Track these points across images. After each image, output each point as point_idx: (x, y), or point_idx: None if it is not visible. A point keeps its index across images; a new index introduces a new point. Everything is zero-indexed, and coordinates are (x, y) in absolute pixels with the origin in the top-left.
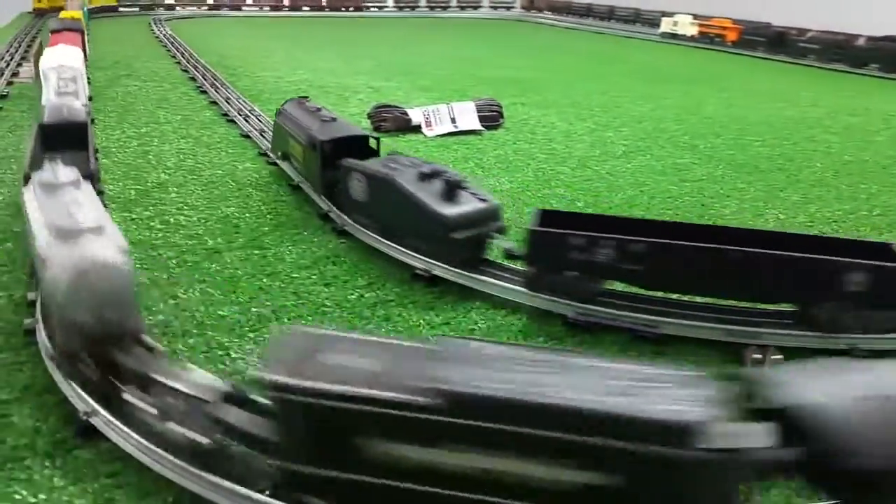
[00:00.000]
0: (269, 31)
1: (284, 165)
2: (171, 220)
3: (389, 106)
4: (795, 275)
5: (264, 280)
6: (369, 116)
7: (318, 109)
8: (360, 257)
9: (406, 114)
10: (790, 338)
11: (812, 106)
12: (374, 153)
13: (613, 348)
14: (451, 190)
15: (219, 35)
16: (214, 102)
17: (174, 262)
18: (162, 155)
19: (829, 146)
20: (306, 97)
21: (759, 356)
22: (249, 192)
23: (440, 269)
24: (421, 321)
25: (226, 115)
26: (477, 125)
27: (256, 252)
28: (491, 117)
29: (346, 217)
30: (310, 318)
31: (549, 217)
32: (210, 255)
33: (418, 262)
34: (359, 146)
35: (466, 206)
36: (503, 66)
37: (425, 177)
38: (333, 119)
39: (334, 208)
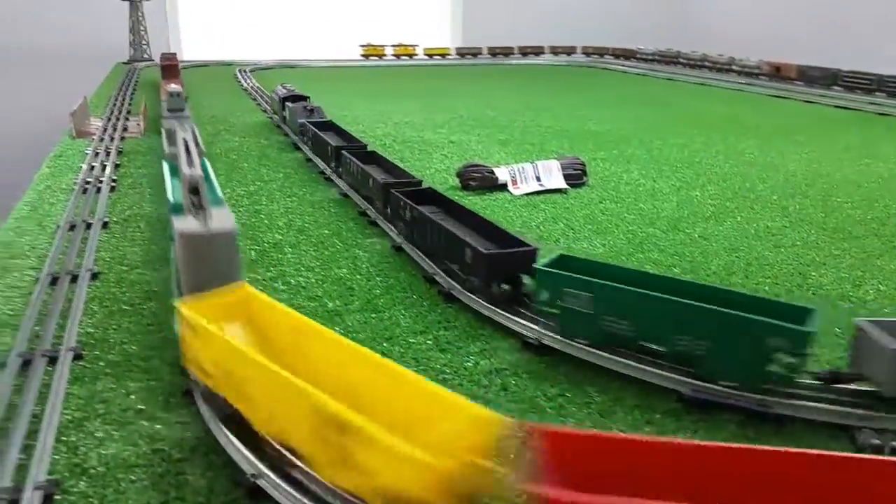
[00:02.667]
0: (338, 84)
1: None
2: (293, 281)
3: (477, 165)
4: None
5: (384, 345)
6: (458, 175)
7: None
8: (468, 322)
9: (493, 172)
10: None
11: None
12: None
13: (730, 426)
14: None
15: (302, 87)
16: (310, 159)
17: None
18: (272, 214)
19: None
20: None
21: (877, 441)
22: (357, 254)
23: (549, 339)
24: (538, 392)
25: (322, 172)
26: (562, 184)
27: (373, 315)
28: (575, 175)
29: (452, 282)
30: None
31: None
32: (332, 317)
33: (528, 330)
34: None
35: None
36: (576, 118)
37: None
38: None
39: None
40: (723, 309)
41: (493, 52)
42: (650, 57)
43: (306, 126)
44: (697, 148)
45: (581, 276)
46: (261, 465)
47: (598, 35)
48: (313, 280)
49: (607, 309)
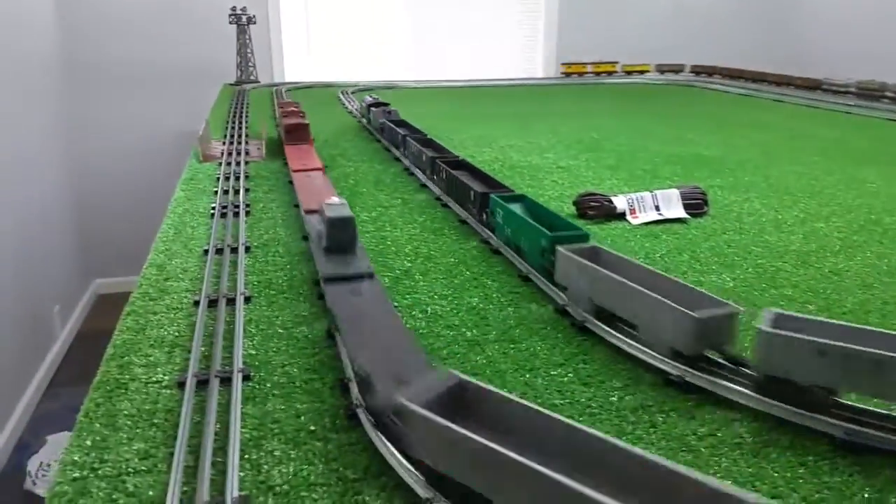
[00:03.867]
0: (430, 106)
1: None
2: (429, 309)
3: (595, 194)
4: None
5: (527, 376)
6: (575, 203)
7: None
8: (606, 356)
9: (611, 201)
10: None
11: None
12: None
13: (886, 472)
14: None
15: (409, 109)
16: (424, 185)
17: (445, 352)
18: (397, 241)
19: None
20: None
21: None
22: (485, 282)
23: (692, 376)
24: (687, 430)
25: (439, 198)
26: (682, 213)
27: (511, 346)
28: (696, 205)
29: (586, 314)
30: (581, 419)
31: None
32: (472, 346)
33: (669, 366)
34: None
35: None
36: (684, 141)
37: None
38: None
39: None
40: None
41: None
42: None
43: (386, 124)
44: (816, 175)
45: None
46: (431, 490)
47: (702, 53)
48: (448, 308)
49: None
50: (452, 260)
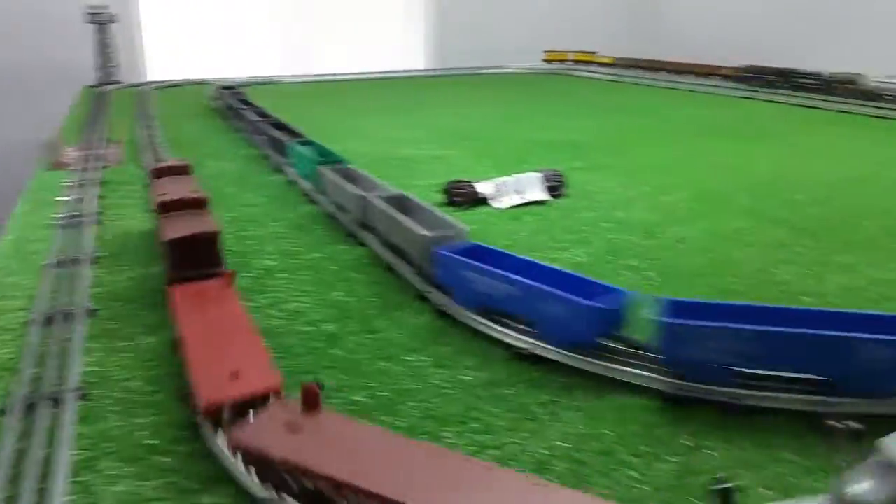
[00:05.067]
0: (311, 101)
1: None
2: (289, 307)
3: (461, 181)
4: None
5: (381, 364)
6: (445, 191)
7: None
8: (462, 337)
9: (474, 188)
10: (868, 405)
11: (856, 159)
12: None
13: (707, 418)
14: None
15: (276, 106)
16: (293, 181)
17: (302, 349)
18: (261, 239)
19: (878, 204)
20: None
21: (840, 425)
22: (349, 275)
23: (541, 349)
24: (530, 399)
25: (307, 194)
26: (543, 195)
27: (369, 336)
28: (555, 187)
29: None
30: (434, 400)
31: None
32: (331, 340)
33: (519, 342)
34: None
35: None
36: (551, 128)
37: None
38: None
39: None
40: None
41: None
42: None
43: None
44: (668, 153)
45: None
46: (273, 492)
47: (558, 39)
48: (309, 304)
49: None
50: (318, 255)
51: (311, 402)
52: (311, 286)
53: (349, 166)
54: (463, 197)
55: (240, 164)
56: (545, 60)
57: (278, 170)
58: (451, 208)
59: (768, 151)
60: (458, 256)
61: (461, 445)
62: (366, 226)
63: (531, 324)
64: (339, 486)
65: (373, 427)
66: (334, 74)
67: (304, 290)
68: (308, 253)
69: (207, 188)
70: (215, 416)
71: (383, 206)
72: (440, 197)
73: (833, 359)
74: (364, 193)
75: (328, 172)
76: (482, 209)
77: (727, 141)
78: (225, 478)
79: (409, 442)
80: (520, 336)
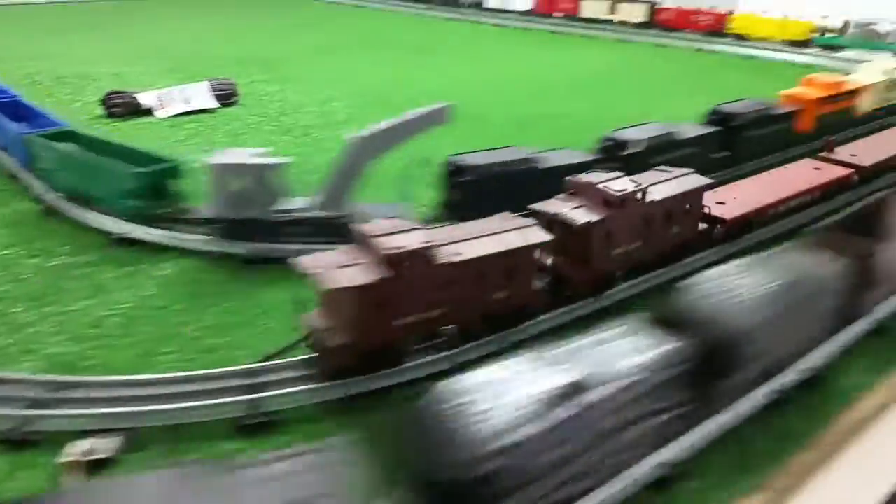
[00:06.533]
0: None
1: None
2: None
3: (120, 92)
4: None
5: None
6: (102, 102)
7: None
8: (60, 226)
9: (135, 98)
10: None
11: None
12: None
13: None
14: None
15: None
16: None
17: None
18: None
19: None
20: None
21: None
22: None
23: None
24: (109, 274)
25: None
26: (212, 103)
27: None
28: (226, 95)
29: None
30: (8, 285)
31: None
32: None
33: (114, 226)
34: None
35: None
36: (251, 44)
37: None
38: None
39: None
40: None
41: None
42: None
43: None
44: (355, 65)
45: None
46: None
47: None
48: None
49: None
50: None
51: None
52: None
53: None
54: (121, 107)
55: None
56: None
57: None
58: (110, 119)
59: (433, 61)
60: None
61: (30, 316)
62: None
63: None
64: None
65: None
66: None
67: None
68: None
69: None
70: None
71: None
72: (101, 110)
73: None
74: None
75: None
76: (143, 119)
77: (401, 52)
78: None
79: None
80: (115, 221)
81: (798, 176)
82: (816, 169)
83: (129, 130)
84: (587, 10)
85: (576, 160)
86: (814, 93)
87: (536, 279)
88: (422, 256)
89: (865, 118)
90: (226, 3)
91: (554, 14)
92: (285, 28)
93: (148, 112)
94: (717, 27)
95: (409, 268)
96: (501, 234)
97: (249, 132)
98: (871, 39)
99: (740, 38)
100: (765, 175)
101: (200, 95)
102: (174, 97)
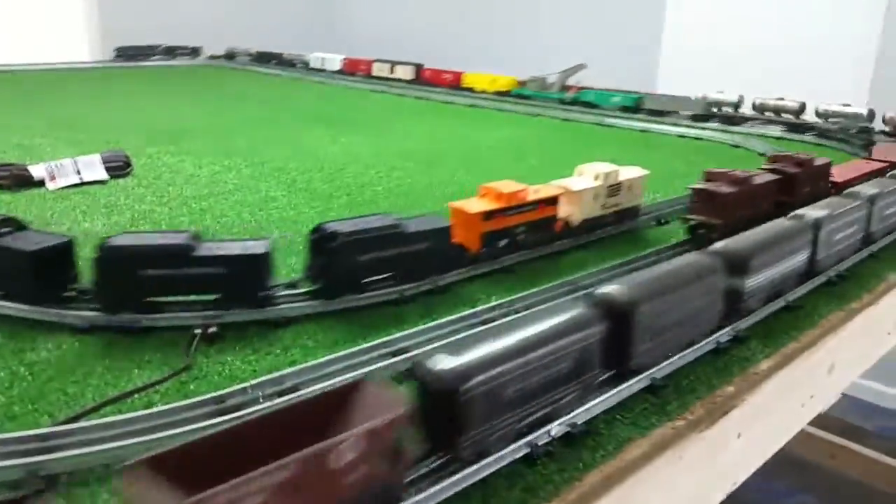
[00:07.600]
0: None
1: None
2: None
3: (8, 164)
4: None
5: None
6: None
7: None
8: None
9: (26, 170)
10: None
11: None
12: None
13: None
14: None
15: None
16: None
17: None
18: None
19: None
20: None
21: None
22: None
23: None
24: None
25: None
26: (103, 175)
27: None
28: (118, 167)
29: None
30: None
31: None
32: None
33: None
34: None
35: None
36: (169, 117)
37: None
38: None
39: None
40: None
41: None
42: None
43: None
44: (260, 137)
45: None
46: None
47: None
48: None
49: None
50: None
51: None
52: None
53: None
54: (8, 179)
55: None
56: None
57: None
58: None
59: (354, 138)
60: None
61: None
62: None
63: None
64: None
65: None
66: None
67: None
68: None
69: None
70: None
71: None
72: None
73: None
74: None
75: None
76: (33, 191)
77: (324, 128)
78: None
79: None
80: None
81: None
82: None
83: (13, 202)
84: (376, 70)
85: (439, 225)
86: (481, 205)
87: None
88: None
89: (576, 232)
90: (166, 76)
91: (355, 73)
92: (223, 98)
93: (41, 184)
94: (455, 82)
95: None
96: None
97: (128, 203)
98: (542, 90)
99: (470, 90)
100: None
101: (92, 167)
102: (66, 169)
